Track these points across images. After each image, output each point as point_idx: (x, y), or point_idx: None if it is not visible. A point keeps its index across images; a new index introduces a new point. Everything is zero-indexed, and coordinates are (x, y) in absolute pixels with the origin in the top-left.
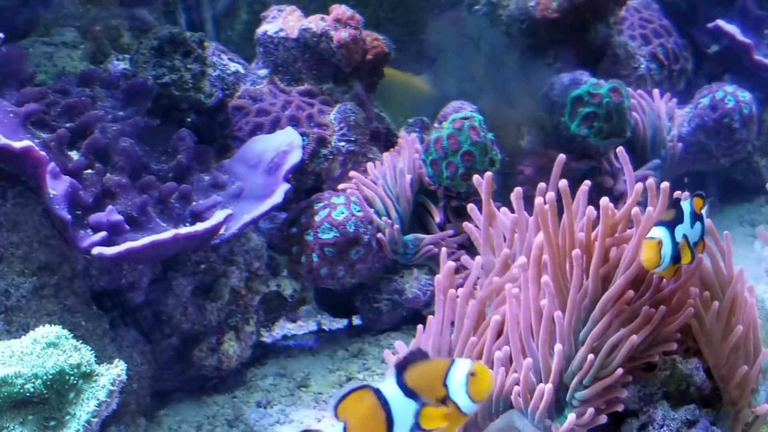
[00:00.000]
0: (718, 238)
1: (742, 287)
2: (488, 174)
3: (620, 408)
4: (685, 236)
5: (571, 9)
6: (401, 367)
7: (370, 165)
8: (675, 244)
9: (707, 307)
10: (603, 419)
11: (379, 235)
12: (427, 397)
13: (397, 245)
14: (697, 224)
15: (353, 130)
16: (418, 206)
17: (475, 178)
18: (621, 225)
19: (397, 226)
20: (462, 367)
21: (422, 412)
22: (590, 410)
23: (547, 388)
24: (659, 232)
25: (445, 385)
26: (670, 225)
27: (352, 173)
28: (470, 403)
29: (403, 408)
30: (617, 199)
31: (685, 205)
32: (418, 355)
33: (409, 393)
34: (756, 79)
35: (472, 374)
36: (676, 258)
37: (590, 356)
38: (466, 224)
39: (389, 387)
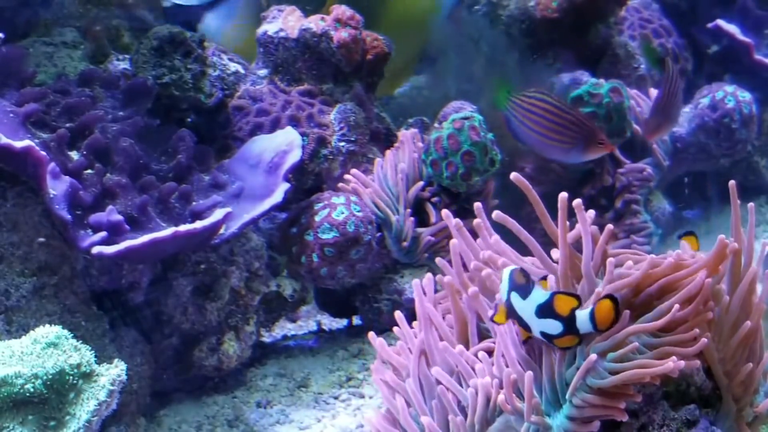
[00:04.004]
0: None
1: (754, 285)
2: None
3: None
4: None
5: (571, 9)
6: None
7: (378, 161)
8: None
9: (718, 300)
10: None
11: (409, 218)
12: None
13: (406, 239)
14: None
15: (353, 130)
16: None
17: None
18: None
19: (410, 218)
20: None
21: None
22: (596, 423)
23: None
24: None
25: None
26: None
27: (352, 171)
28: None
29: None
30: (614, 196)
31: (506, 275)
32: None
33: None
34: (756, 79)
35: None
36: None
37: (593, 356)
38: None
39: None
